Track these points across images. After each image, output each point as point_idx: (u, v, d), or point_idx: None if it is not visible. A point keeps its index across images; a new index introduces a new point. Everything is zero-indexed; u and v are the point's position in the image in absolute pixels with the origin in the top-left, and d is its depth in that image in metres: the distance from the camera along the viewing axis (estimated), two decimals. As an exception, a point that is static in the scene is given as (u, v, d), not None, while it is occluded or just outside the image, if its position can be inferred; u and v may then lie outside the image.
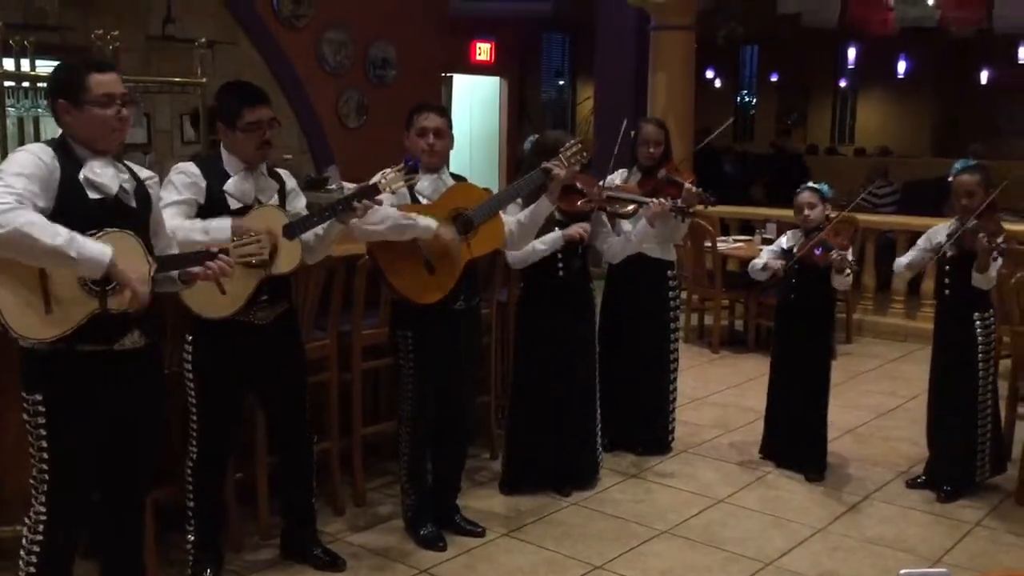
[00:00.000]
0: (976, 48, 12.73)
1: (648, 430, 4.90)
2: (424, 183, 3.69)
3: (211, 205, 3.21)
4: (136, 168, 2.94)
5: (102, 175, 2.73)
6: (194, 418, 3.36)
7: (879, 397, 6.00)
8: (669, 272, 4.83)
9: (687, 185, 4.52)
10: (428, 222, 3.54)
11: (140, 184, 2.87)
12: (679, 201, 4.42)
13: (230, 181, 3.26)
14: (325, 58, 9.60)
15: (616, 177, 4.81)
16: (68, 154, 2.72)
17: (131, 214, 2.80)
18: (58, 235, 2.52)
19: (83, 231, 2.60)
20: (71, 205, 2.66)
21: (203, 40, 6.59)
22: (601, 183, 4.42)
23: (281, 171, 3.51)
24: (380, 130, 9.31)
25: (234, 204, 3.24)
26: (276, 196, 3.38)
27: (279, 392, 3.51)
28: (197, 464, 3.39)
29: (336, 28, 9.62)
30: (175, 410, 3.52)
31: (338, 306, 3.96)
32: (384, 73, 10.16)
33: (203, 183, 3.22)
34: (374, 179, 3.38)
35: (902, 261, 4.53)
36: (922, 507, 4.28)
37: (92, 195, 2.71)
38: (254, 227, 3.09)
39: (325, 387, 4.02)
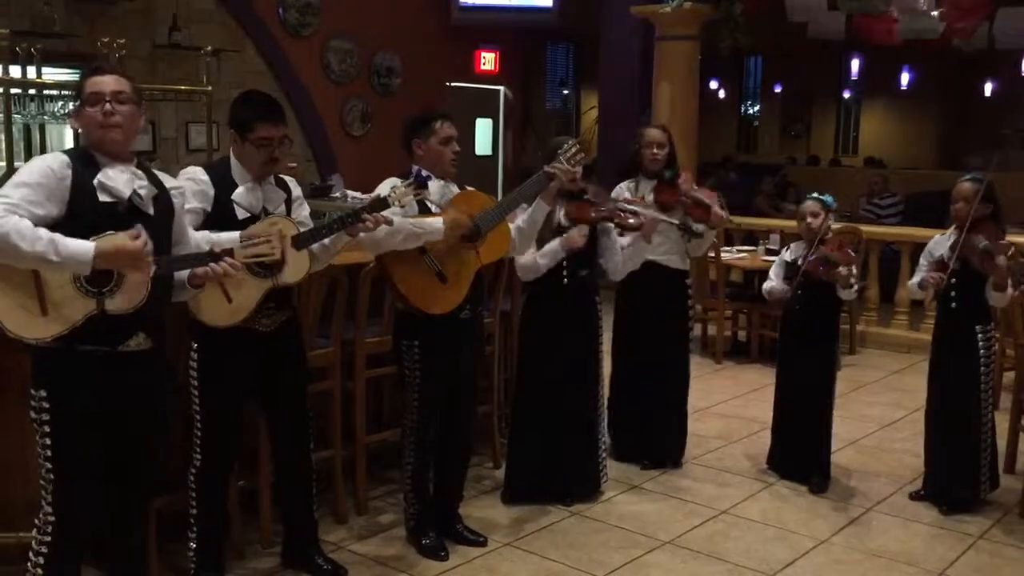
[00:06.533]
0: (979, 60, 12.74)
1: (669, 440, 4.90)
2: (432, 189, 3.67)
3: (218, 214, 3.21)
4: (164, 178, 2.96)
5: (115, 179, 2.77)
6: (198, 426, 3.36)
7: (883, 409, 5.99)
8: (687, 281, 4.86)
9: (717, 211, 4.50)
10: (437, 224, 3.54)
11: (164, 192, 2.90)
12: (706, 223, 4.51)
13: (238, 191, 3.25)
14: (330, 66, 9.62)
15: (623, 189, 4.79)
16: (87, 161, 2.77)
17: (147, 220, 2.81)
18: (39, 240, 2.58)
19: (91, 234, 2.66)
20: (82, 209, 2.70)
21: (209, 48, 6.63)
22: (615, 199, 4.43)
23: (287, 179, 3.51)
24: (385, 139, 9.32)
25: (242, 214, 3.24)
26: (283, 205, 3.38)
27: (280, 399, 3.50)
28: (200, 472, 3.39)
29: (341, 37, 9.64)
30: (178, 418, 3.52)
31: (341, 315, 3.96)
32: (389, 82, 10.19)
33: (211, 191, 3.22)
34: (381, 188, 3.38)
35: (916, 286, 4.38)
36: (925, 519, 4.27)
37: (103, 198, 2.74)
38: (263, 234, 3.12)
39: (328, 396, 4.02)
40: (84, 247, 2.62)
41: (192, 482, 3.40)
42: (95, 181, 2.74)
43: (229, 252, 2.87)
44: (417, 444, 3.76)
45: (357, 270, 3.96)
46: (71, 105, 5.78)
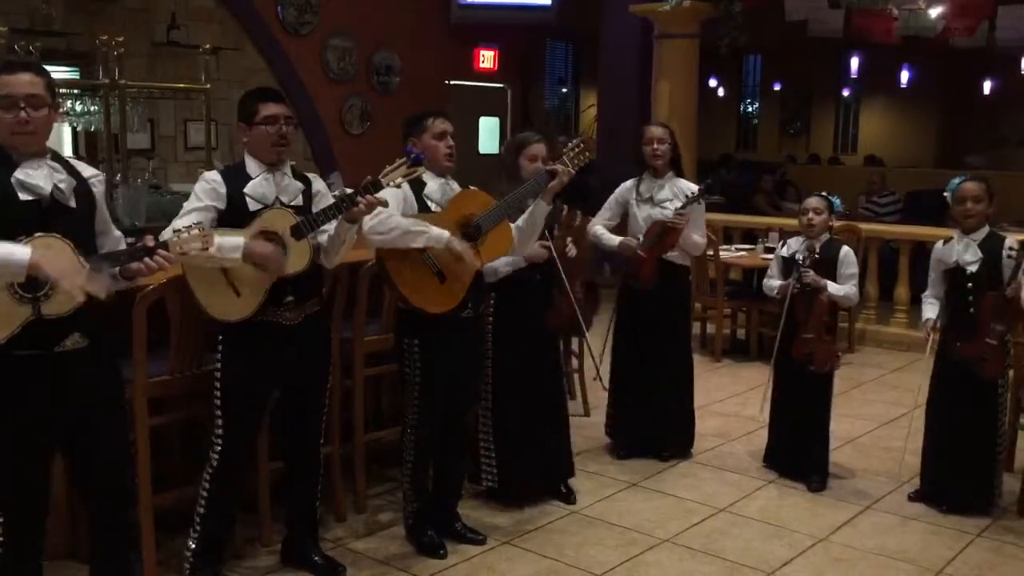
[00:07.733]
0: (979, 59, 12.74)
1: (675, 436, 4.94)
2: (432, 188, 3.68)
3: (232, 209, 3.23)
4: (80, 166, 2.91)
5: (34, 176, 2.72)
6: (219, 423, 3.33)
7: (881, 407, 5.99)
8: (689, 278, 4.96)
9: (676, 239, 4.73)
10: (441, 232, 3.54)
11: (82, 183, 2.85)
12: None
13: (251, 183, 3.28)
14: (329, 65, 9.62)
15: (628, 188, 4.91)
16: (1, 160, 2.71)
17: (70, 214, 2.78)
18: None
19: (15, 234, 2.61)
20: (3, 209, 2.66)
21: (207, 46, 6.62)
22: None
23: (310, 175, 3.51)
24: (384, 137, 9.32)
25: (253, 206, 3.25)
26: (301, 197, 3.38)
27: (300, 394, 3.49)
28: (217, 470, 3.35)
29: (340, 35, 9.64)
30: (186, 418, 3.51)
31: (341, 312, 3.96)
32: (388, 80, 10.18)
33: (223, 189, 3.24)
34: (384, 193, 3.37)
35: (931, 316, 4.35)
36: (923, 517, 4.28)
37: (23, 196, 2.70)
38: (264, 228, 3.15)
39: (328, 393, 4.01)
40: (20, 253, 2.55)
41: (207, 482, 3.36)
42: (12, 180, 2.69)
43: (164, 246, 2.81)
44: (417, 442, 3.75)
45: (357, 268, 3.96)
46: (68, 103, 5.80)
